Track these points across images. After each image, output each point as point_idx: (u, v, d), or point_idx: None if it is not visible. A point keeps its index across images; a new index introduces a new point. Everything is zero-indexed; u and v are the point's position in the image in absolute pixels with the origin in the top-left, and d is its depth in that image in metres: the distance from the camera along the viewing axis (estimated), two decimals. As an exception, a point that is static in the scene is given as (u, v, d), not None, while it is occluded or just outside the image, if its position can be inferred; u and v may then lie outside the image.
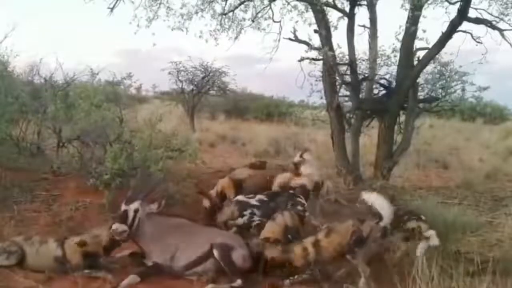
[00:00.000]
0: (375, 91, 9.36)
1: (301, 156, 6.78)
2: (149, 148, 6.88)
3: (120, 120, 7.68)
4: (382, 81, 9.07)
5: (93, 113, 7.28)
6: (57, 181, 7.32)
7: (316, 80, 9.09)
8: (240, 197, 5.63)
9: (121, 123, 7.63)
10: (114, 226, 4.46)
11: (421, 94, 9.31)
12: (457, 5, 7.19)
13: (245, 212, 5.37)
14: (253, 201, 5.53)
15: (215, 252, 4.46)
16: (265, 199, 5.59)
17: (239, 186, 6.55)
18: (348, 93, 8.83)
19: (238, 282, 4.29)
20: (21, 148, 8.18)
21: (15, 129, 8.22)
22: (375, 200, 4.57)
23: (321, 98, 9.27)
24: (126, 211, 4.57)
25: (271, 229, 4.95)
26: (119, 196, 6.32)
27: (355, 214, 5.69)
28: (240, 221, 5.34)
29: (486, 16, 7.32)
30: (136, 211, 4.58)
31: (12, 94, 7.76)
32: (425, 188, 9.03)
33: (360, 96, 8.52)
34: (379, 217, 4.48)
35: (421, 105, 9.34)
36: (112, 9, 8.56)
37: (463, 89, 9.42)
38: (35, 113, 8.19)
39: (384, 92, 9.01)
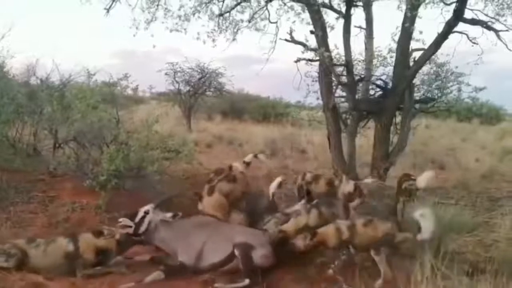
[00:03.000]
0: (371, 92, 9.37)
1: (255, 156, 6.69)
2: (145, 149, 6.88)
3: (116, 121, 7.67)
4: (378, 82, 9.07)
5: (90, 114, 7.28)
6: (54, 182, 7.31)
7: (313, 81, 9.11)
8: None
9: (118, 124, 7.62)
10: (120, 219, 4.71)
11: (417, 95, 9.31)
12: (453, 5, 7.20)
13: None
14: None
15: (236, 252, 4.52)
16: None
17: None
18: (344, 93, 8.83)
19: (246, 281, 4.32)
20: (17, 149, 8.16)
21: (11, 130, 8.20)
22: (425, 214, 4.45)
23: (318, 99, 9.28)
24: (137, 211, 4.78)
25: (288, 225, 5.02)
26: (116, 197, 6.35)
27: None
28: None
29: (481, 17, 7.32)
30: (146, 212, 4.76)
31: (8, 95, 7.74)
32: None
33: (356, 97, 8.52)
34: (419, 229, 4.41)
35: (417, 105, 9.35)
36: (108, 10, 8.54)
37: (459, 90, 9.44)
38: (32, 114, 8.17)
39: (380, 92, 9.02)
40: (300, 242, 4.56)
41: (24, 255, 4.39)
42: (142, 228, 4.72)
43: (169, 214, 4.85)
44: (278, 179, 6.01)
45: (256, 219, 5.48)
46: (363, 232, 4.52)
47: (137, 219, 4.73)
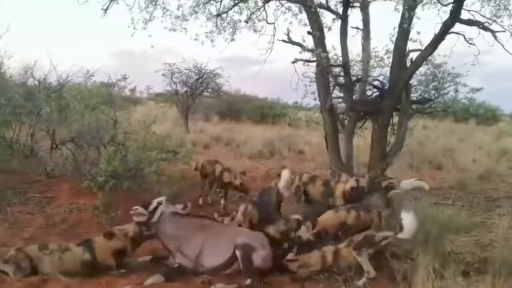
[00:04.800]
0: (369, 93, 9.37)
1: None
2: (143, 150, 6.89)
3: (114, 122, 7.67)
4: (376, 83, 9.07)
5: (87, 115, 7.28)
6: (51, 183, 7.30)
7: (310, 82, 9.09)
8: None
9: (115, 125, 7.62)
10: (136, 207, 4.75)
11: (414, 96, 9.31)
12: (450, 6, 7.21)
13: None
14: None
15: (237, 253, 4.55)
16: None
17: None
18: (341, 94, 8.84)
19: (248, 281, 4.33)
20: (15, 150, 8.16)
21: (9, 131, 8.19)
22: (409, 215, 4.57)
23: (315, 99, 9.25)
24: (151, 201, 4.85)
25: (328, 217, 5.28)
26: (113, 198, 6.35)
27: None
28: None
29: (478, 18, 7.32)
30: (159, 203, 4.83)
31: (5, 96, 7.74)
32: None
33: (354, 97, 8.52)
34: (400, 228, 4.58)
35: (414, 106, 9.36)
36: (105, 10, 8.51)
37: (456, 91, 9.42)
38: (29, 115, 8.16)
39: (377, 93, 9.02)
40: (293, 266, 4.66)
41: (36, 263, 4.37)
42: (155, 218, 4.75)
43: (179, 206, 4.90)
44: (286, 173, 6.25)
45: (268, 212, 5.62)
46: (348, 253, 4.59)
47: (150, 208, 4.78)
